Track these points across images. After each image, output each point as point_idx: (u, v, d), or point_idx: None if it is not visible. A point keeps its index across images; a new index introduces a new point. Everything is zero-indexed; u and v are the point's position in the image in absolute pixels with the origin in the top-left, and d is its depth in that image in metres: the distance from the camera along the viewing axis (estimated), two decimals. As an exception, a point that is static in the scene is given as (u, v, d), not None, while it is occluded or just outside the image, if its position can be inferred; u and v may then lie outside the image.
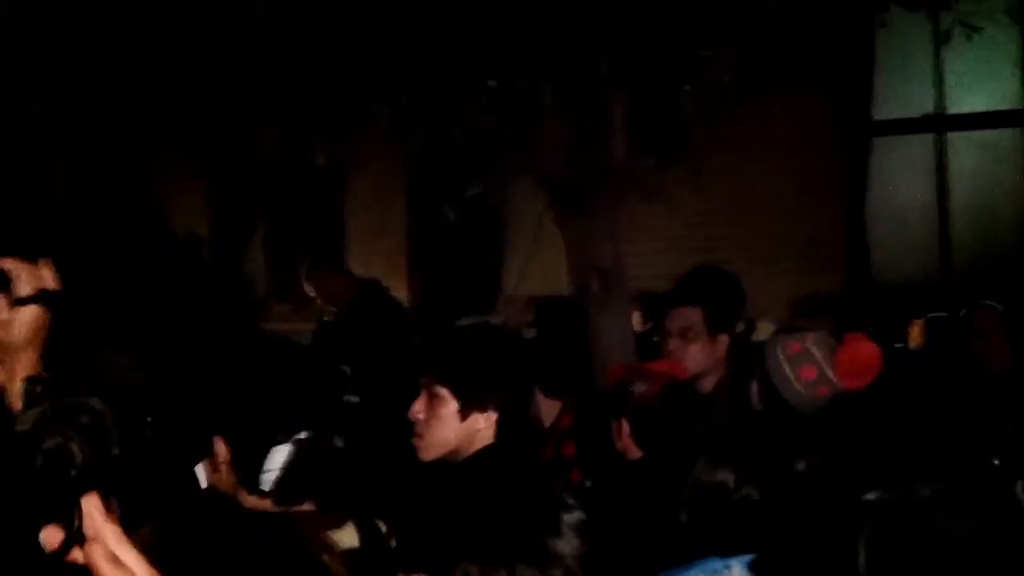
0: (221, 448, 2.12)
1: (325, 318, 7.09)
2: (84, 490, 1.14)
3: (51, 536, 1.09)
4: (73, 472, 1.24)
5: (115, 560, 1.10)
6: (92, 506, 1.11)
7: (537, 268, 9.15)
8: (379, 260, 9.92)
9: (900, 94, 8.47)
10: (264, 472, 2.09)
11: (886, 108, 8.48)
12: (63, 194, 11.04)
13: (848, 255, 8.44)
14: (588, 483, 3.80)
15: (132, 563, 1.10)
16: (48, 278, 1.93)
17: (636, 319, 5.61)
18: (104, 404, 1.47)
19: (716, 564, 2.14)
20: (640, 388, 3.42)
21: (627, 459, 3.44)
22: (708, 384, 4.21)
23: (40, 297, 1.90)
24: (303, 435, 2.10)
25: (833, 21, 5.48)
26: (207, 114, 10.46)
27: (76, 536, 1.10)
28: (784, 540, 2.17)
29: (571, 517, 1.68)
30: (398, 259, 9.88)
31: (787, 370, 3.43)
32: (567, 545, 1.65)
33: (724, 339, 4.09)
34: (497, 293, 9.49)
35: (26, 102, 11.09)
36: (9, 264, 1.91)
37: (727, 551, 2.15)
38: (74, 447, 1.27)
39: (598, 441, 3.65)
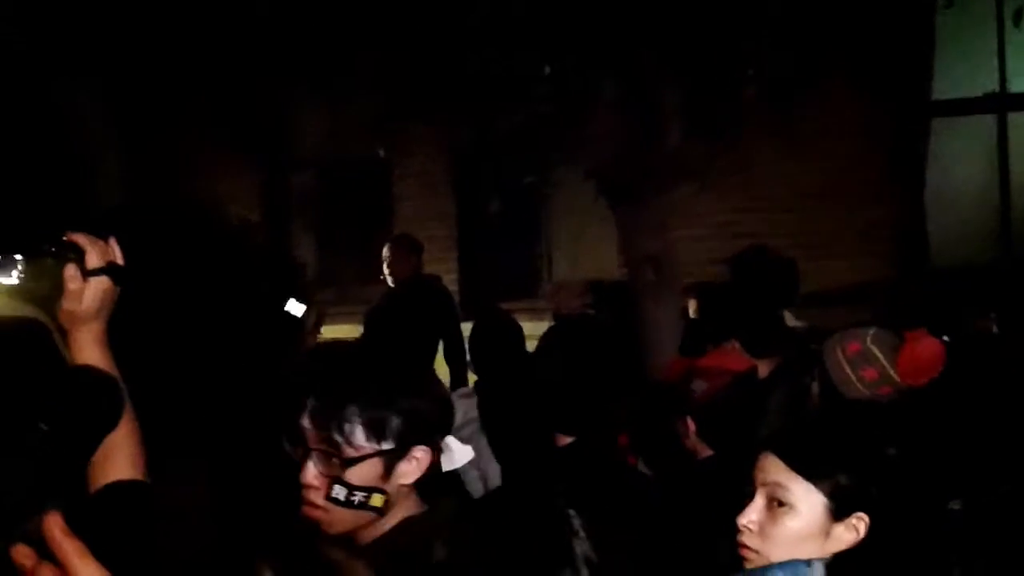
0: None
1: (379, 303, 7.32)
2: (26, 514, 1.17)
3: (21, 555, 1.11)
4: (14, 496, 1.25)
5: None
6: (52, 524, 1.12)
7: (586, 255, 9.11)
8: (427, 247, 9.92)
9: (960, 73, 8.29)
10: None
11: (945, 88, 8.31)
12: (116, 184, 11.14)
13: (905, 240, 8.30)
14: (644, 469, 3.75)
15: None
16: (116, 253, 2.04)
17: (691, 308, 5.54)
18: (57, 420, 1.44)
19: (800, 565, 2.10)
20: (701, 386, 3.36)
21: (696, 457, 3.40)
22: (762, 371, 4.16)
23: (109, 270, 1.99)
24: None
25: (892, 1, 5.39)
26: (260, 104, 10.53)
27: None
28: (867, 542, 2.12)
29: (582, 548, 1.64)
30: (447, 246, 9.86)
31: (848, 371, 3.36)
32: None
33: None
34: (545, 280, 9.46)
35: (78, 92, 11.20)
36: (80, 238, 2.00)
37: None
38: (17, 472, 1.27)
39: (656, 433, 3.60)
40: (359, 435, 1.95)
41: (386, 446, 1.96)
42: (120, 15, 8.07)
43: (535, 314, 7.25)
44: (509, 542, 1.61)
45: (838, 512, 2.11)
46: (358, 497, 1.96)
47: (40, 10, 8.85)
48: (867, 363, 3.33)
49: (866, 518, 2.09)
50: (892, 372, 3.31)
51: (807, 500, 2.13)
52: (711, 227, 8.28)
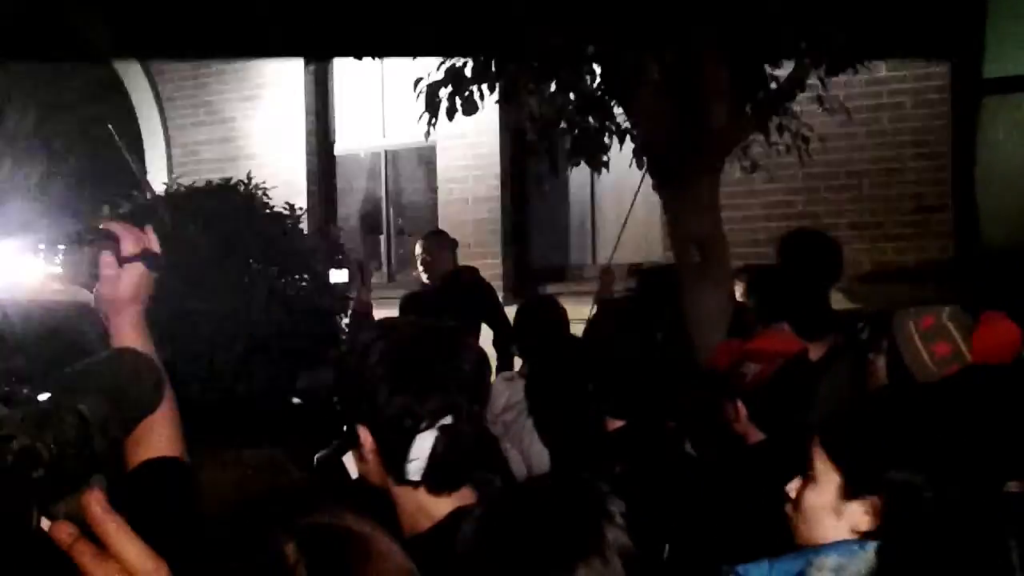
0: (367, 437, 2.05)
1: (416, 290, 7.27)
2: (50, 490, 1.21)
3: (61, 531, 1.11)
4: (37, 473, 1.24)
5: (99, 556, 1.10)
6: (92, 500, 1.11)
7: (632, 236, 9.05)
8: (471, 229, 9.91)
9: (1013, 51, 8.12)
10: (410, 461, 2.01)
11: (997, 66, 8.14)
12: (163, 163, 11.22)
13: (957, 220, 8.16)
14: (693, 452, 3.70)
15: (133, 553, 1.10)
16: (152, 241, 2.10)
17: (739, 291, 5.47)
18: (96, 403, 1.42)
19: (853, 545, 2.08)
20: (753, 369, 3.30)
21: (746, 441, 3.35)
22: (815, 353, 4.09)
23: (144, 257, 2.06)
24: (448, 420, 2.01)
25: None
26: (311, 79, 10.56)
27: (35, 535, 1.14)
28: (921, 524, 2.08)
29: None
30: (491, 228, 9.84)
31: (919, 345, 3.29)
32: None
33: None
34: (590, 262, 9.40)
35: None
36: (115, 227, 2.08)
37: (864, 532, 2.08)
38: (41, 448, 1.25)
39: (706, 417, 3.55)
40: None
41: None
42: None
43: (580, 297, 7.20)
44: (536, 527, 1.58)
45: (851, 492, 2.12)
46: None
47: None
48: (941, 338, 3.27)
49: (877, 503, 2.09)
50: (965, 350, 3.24)
51: (826, 475, 2.16)
52: (762, 208, 8.20)
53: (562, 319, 5.19)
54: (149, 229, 2.12)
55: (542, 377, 4.21)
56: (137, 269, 2.07)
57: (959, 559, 1.99)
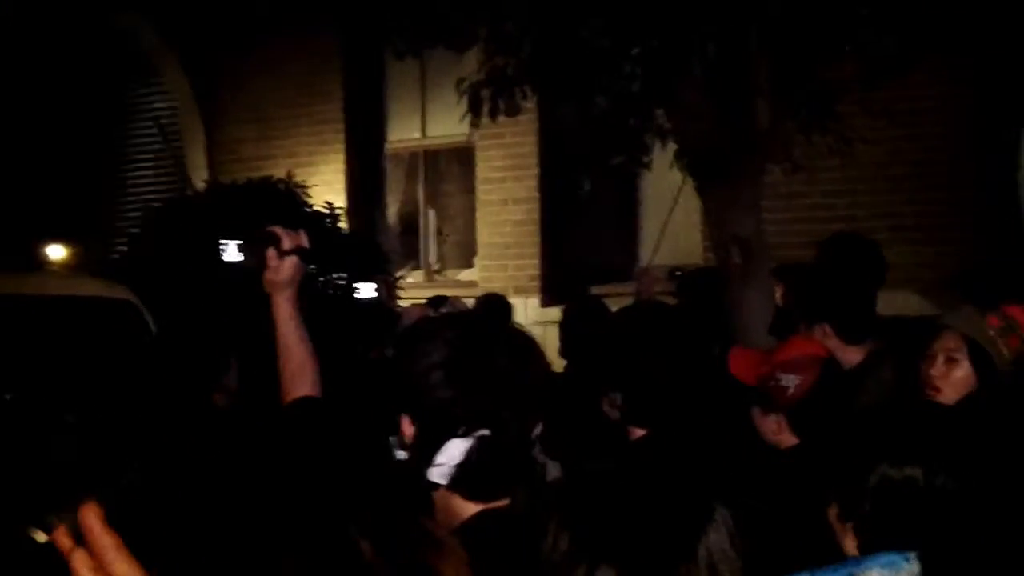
0: (409, 427, 2.05)
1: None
2: (64, 495, 1.21)
3: (61, 538, 1.12)
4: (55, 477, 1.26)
5: (97, 570, 1.10)
6: (90, 514, 1.11)
7: (670, 239, 9.02)
8: (509, 230, 9.92)
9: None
10: (435, 464, 2.01)
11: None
12: (203, 165, 11.31)
13: (999, 223, 8.07)
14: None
15: (124, 570, 1.10)
16: (304, 240, 2.73)
17: (777, 292, 5.44)
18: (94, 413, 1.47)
19: (895, 557, 2.04)
20: (794, 381, 3.26)
21: (778, 448, 3.32)
22: (856, 357, 4.05)
23: (298, 251, 2.70)
24: (485, 432, 2.01)
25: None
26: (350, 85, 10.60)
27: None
28: (967, 532, 2.05)
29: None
30: (529, 229, 9.84)
31: (995, 337, 3.30)
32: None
33: None
34: (629, 263, 9.37)
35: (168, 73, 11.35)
36: (277, 229, 2.71)
37: (909, 544, 2.04)
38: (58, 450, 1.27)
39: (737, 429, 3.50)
40: None
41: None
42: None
43: (619, 299, 7.18)
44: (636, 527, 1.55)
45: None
46: None
47: None
48: (1011, 332, 3.30)
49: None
50: None
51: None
52: (803, 209, 8.15)
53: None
54: (303, 231, 2.74)
55: (582, 378, 4.17)
56: (292, 261, 2.69)
57: (1006, 566, 1.96)
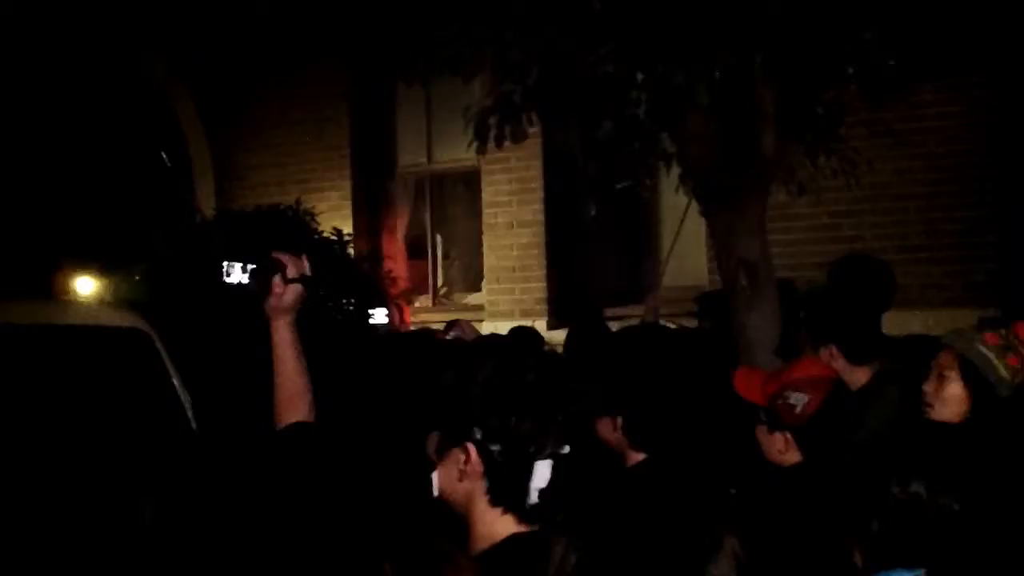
0: (475, 456, 2.09)
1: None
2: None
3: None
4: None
5: None
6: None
7: (676, 262, 9.05)
8: (515, 253, 9.95)
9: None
10: (533, 489, 2.06)
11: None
12: (210, 189, 11.36)
13: (1003, 244, 8.09)
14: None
15: None
16: (306, 266, 2.81)
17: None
18: None
19: (904, 574, 2.06)
20: (803, 400, 3.29)
21: (782, 466, 3.34)
22: (863, 377, 4.07)
23: (301, 279, 2.78)
24: (565, 450, 2.06)
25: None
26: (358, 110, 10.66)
27: None
28: (973, 551, 2.07)
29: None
30: (535, 252, 9.87)
31: (996, 361, 3.31)
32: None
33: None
34: (635, 286, 9.39)
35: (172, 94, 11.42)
36: (282, 256, 2.79)
37: (917, 562, 2.07)
38: None
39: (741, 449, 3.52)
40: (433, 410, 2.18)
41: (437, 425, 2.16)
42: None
43: (624, 322, 7.20)
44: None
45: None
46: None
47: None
48: (1011, 351, 3.32)
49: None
50: None
51: None
52: (808, 231, 8.17)
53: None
54: (305, 257, 2.83)
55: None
56: (296, 288, 2.77)
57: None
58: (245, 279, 2.81)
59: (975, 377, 3.33)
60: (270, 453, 2.81)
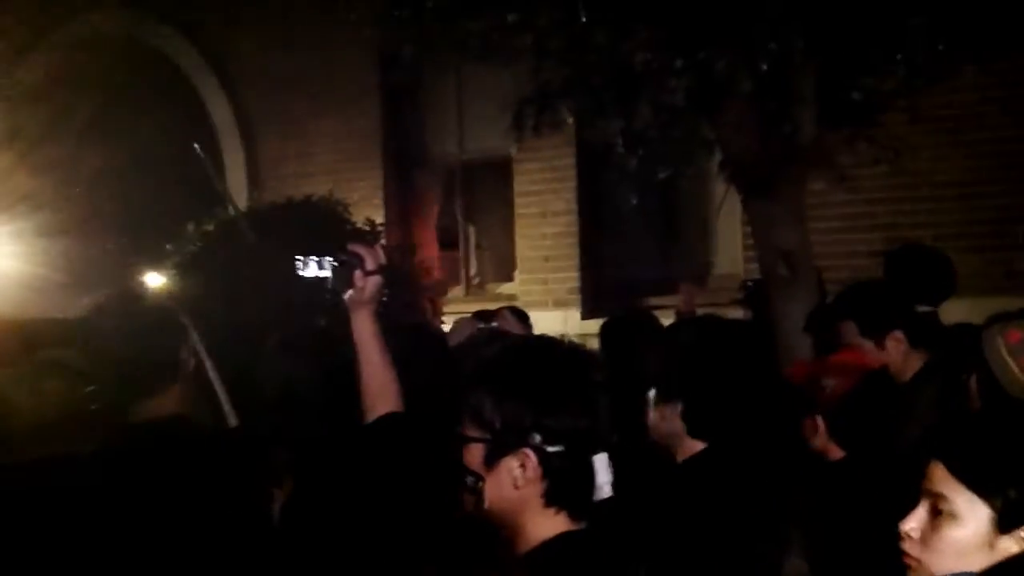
0: (533, 462, 2.06)
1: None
2: None
3: None
4: None
5: None
6: None
7: (711, 251, 9.00)
8: (548, 243, 9.91)
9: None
10: (599, 484, 2.04)
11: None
12: (241, 181, 11.38)
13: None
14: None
15: None
16: (383, 257, 2.90)
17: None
18: None
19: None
20: (831, 383, 3.24)
21: (827, 459, 3.29)
22: (907, 373, 4.01)
23: (380, 270, 2.86)
24: (614, 439, 2.06)
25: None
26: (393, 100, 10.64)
27: None
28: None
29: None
30: (568, 241, 9.83)
31: (1008, 360, 3.18)
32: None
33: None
34: (668, 275, 9.33)
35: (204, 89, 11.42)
36: (360, 249, 2.89)
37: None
38: None
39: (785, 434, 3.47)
40: (467, 419, 2.08)
41: (483, 435, 2.04)
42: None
43: (658, 312, 7.14)
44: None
45: (1005, 525, 1.98)
46: (469, 479, 2.06)
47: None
48: None
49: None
50: None
51: (972, 512, 2.00)
52: (846, 219, 8.09)
53: (654, 333, 5.08)
54: (379, 249, 2.94)
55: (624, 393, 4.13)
56: (376, 280, 2.85)
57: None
58: (321, 273, 2.85)
59: (987, 373, 3.19)
60: (369, 443, 2.84)
